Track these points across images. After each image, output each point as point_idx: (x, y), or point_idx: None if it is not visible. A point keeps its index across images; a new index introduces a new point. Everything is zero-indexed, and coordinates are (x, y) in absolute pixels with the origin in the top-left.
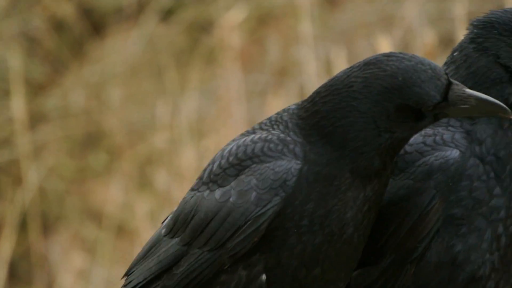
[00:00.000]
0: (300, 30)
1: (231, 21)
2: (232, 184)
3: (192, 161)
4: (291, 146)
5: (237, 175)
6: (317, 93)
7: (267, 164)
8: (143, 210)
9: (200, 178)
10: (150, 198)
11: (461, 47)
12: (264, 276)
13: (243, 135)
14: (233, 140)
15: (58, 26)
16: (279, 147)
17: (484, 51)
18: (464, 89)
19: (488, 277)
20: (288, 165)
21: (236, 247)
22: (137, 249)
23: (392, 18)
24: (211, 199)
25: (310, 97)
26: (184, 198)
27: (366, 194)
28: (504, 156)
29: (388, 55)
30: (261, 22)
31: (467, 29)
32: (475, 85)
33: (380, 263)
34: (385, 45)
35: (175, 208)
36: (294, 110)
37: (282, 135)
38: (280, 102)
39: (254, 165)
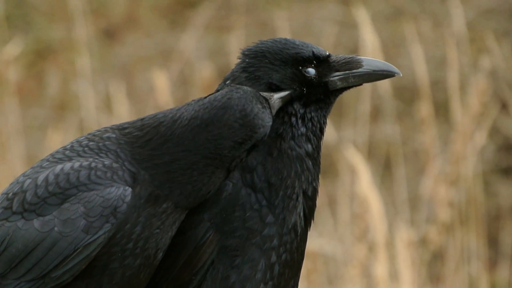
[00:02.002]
0: (79, 65)
1: (8, 55)
2: (55, 213)
3: None
4: (120, 173)
5: (60, 204)
6: (147, 124)
7: (96, 192)
8: None
9: (6, 207)
10: None
11: (233, 76)
12: None
13: (51, 162)
14: (40, 168)
15: None
16: (108, 174)
17: (257, 80)
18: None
19: None
20: (118, 192)
21: (63, 276)
22: None
23: (171, 52)
24: (29, 229)
25: (136, 124)
26: None
27: (178, 222)
28: (276, 182)
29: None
30: (40, 56)
31: (238, 58)
32: None
33: None
34: (161, 80)
35: None
36: (120, 139)
37: (107, 162)
38: (60, 136)
39: (80, 193)
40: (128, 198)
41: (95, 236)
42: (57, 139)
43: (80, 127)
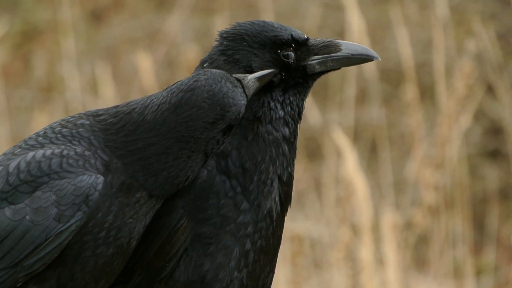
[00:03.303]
0: (65, 46)
1: None
2: (26, 201)
3: None
4: (92, 161)
5: (32, 192)
6: (121, 111)
7: (67, 180)
8: None
9: None
10: None
11: (211, 59)
12: None
13: (23, 149)
14: (12, 155)
15: None
16: (80, 162)
17: (235, 63)
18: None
19: None
20: (90, 180)
21: (35, 264)
22: None
23: (157, 34)
24: (1, 218)
25: (111, 111)
26: None
27: (153, 212)
28: (251, 167)
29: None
30: (26, 37)
31: (216, 40)
32: None
33: (129, 282)
34: (145, 62)
35: None
36: (94, 127)
37: (79, 150)
38: (46, 118)
39: (52, 181)
40: (100, 186)
41: (67, 225)
42: (43, 121)
43: (66, 109)
